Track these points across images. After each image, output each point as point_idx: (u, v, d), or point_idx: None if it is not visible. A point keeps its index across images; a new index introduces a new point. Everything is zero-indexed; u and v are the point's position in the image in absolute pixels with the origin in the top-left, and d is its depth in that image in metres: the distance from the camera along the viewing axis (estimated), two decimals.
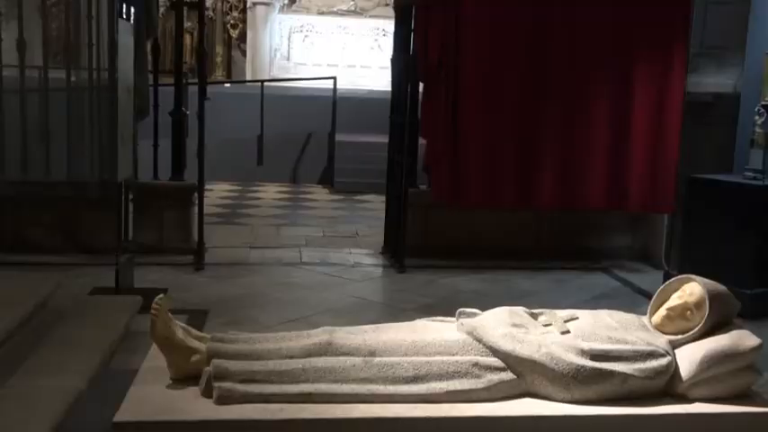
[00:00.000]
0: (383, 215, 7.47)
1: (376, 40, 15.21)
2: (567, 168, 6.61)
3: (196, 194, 6.64)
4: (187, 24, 11.09)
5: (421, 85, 6.65)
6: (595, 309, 3.32)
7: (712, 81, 6.66)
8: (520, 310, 3.22)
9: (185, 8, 6.89)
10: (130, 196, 6.47)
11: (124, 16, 5.53)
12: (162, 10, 11.76)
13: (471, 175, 6.52)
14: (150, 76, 6.62)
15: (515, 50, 6.46)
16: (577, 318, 3.17)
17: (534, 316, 3.20)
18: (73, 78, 6.53)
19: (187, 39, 13.30)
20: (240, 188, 11.33)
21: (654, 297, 3.22)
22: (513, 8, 6.44)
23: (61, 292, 4.82)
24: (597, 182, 6.64)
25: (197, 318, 5.03)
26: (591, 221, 7.28)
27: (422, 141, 6.73)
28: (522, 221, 7.16)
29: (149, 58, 6.61)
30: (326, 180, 12.00)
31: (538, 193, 6.62)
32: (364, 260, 7.07)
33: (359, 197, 10.74)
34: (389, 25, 10.43)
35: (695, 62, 6.65)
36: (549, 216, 7.18)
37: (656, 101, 6.56)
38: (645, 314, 3.22)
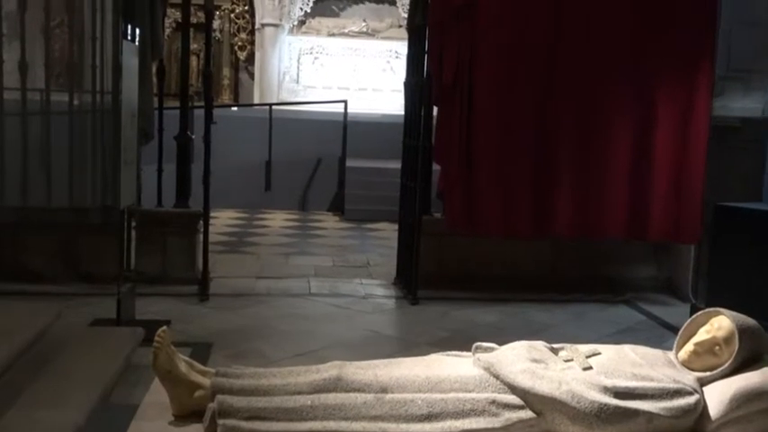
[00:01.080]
0: (395, 244, 7.42)
1: (388, 62, 15.28)
2: (586, 195, 6.47)
3: (201, 222, 6.60)
4: (193, 46, 11.10)
5: (435, 109, 6.58)
6: (619, 343, 3.22)
7: (739, 105, 6.64)
8: (539, 344, 3.12)
9: (192, 29, 6.94)
10: (133, 223, 6.56)
11: (129, 37, 5.53)
12: (168, 31, 11.78)
13: (486, 203, 6.41)
14: (155, 99, 6.66)
15: (532, 73, 6.36)
16: (600, 353, 3.06)
17: (554, 351, 3.09)
18: (76, 101, 6.52)
19: (193, 61, 13.40)
20: (247, 216, 11.27)
21: (680, 331, 3.10)
22: (529, 30, 6.34)
23: (61, 323, 4.78)
24: (617, 210, 6.49)
25: (201, 351, 4.98)
26: (612, 251, 7.15)
27: (436, 167, 6.64)
28: (540, 250, 7.04)
29: (154, 80, 6.67)
30: (336, 207, 11.93)
31: (555, 221, 6.49)
32: (376, 291, 6.98)
33: (370, 225, 10.67)
34: (402, 47, 10.46)
35: (721, 85, 6.61)
36: (567, 245, 7.04)
37: (680, 125, 6.43)
38: (671, 349, 3.10)
